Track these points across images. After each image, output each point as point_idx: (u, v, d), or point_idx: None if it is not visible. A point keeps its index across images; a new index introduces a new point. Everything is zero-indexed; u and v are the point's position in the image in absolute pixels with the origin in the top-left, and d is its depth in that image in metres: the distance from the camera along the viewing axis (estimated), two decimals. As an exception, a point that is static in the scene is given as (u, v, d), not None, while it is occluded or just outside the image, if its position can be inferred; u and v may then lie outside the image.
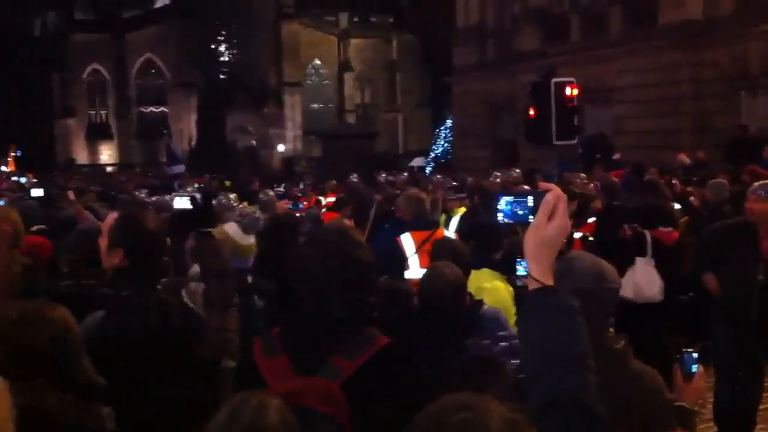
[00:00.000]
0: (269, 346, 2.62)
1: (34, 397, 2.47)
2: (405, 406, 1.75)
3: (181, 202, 3.90)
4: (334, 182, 16.58)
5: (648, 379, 2.87)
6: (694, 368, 3.10)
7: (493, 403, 1.48)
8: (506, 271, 5.33)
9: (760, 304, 5.92)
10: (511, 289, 4.97)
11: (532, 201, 1.95)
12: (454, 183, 12.85)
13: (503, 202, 1.99)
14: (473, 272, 5.04)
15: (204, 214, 4.00)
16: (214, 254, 3.98)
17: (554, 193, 1.93)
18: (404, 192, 8.16)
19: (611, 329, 2.94)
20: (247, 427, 1.93)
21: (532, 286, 1.91)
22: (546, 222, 1.90)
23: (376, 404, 2.32)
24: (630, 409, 2.72)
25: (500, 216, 1.99)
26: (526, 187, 6.81)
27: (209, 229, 4.18)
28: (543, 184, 1.97)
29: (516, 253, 5.40)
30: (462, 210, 9.12)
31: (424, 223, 6.62)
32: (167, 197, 4.59)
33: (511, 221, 1.98)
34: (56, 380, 2.57)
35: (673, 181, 10.96)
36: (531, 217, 1.93)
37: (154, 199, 11.18)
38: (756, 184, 6.25)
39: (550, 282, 1.90)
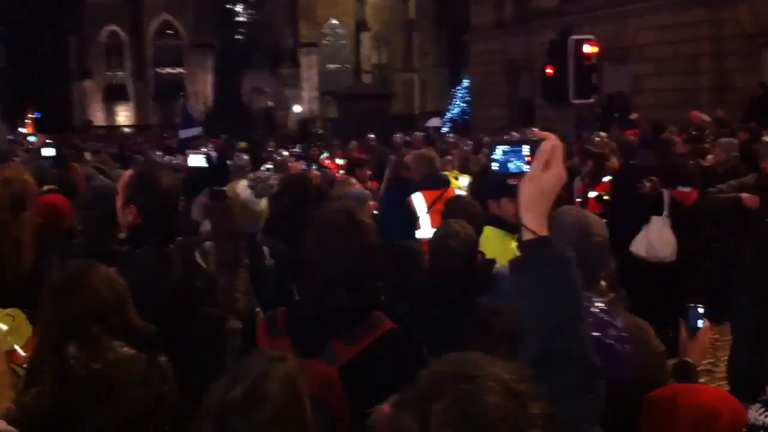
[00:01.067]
0: (273, 327, 2.62)
1: (95, 355, 2.51)
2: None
3: (196, 160, 3.87)
4: (355, 143, 16.47)
5: (636, 330, 2.85)
6: (700, 323, 3.02)
7: (495, 370, 1.40)
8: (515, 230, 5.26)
9: None
10: None
11: (528, 150, 1.89)
12: (470, 143, 12.80)
13: (499, 152, 1.94)
14: (490, 231, 4.99)
15: (218, 173, 3.97)
16: (226, 214, 3.96)
17: (550, 141, 1.88)
18: (414, 152, 8.12)
19: (603, 282, 2.92)
20: (240, 396, 1.90)
21: (527, 236, 1.87)
22: (542, 171, 1.86)
23: (375, 390, 2.27)
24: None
25: (495, 165, 1.95)
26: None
27: (222, 188, 4.16)
28: (539, 133, 1.92)
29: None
30: (455, 173, 9.02)
31: (434, 182, 6.58)
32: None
33: (506, 171, 1.94)
34: (114, 333, 2.59)
35: (675, 139, 10.81)
36: (526, 167, 1.88)
37: (166, 158, 11.24)
38: None
39: (545, 232, 1.86)
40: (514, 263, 1.89)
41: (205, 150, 3.77)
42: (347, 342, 2.48)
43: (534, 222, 1.86)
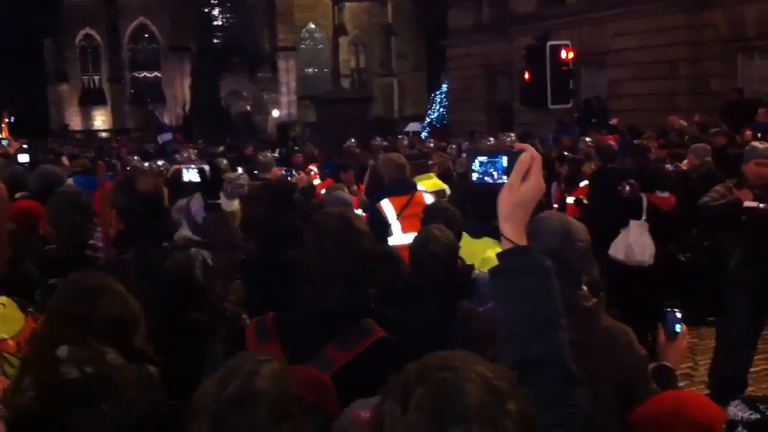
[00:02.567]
0: (262, 331, 2.62)
1: (96, 361, 2.49)
2: None
3: (190, 175, 3.89)
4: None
5: (619, 335, 2.90)
6: (678, 327, 3.07)
7: (478, 366, 1.44)
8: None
9: None
10: None
11: (506, 161, 1.92)
12: (453, 146, 12.81)
13: (477, 163, 1.96)
14: (475, 242, 4.98)
15: (212, 186, 3.99)
16: (222, 225, 3.99)
17: (529, 153, 1.90)
18: (383, 155, 8.06)
19: (584, 287, 2.94)
20: (234, 393, 1.91)
21: (506, 246, 1.90)
22: (520, 182, 1.89)
23: (368, 397, 2.24)
24: (602, 365, 2.75)
25: (474, 176, 1.96)
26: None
27: (217, 201, 4.17)
28: (518, 144, 1.95)
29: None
30: (432, 179, 8.85)
31: (401, 187, 6.49)
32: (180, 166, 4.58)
33: (484, 182, 1.95)
34: (116, 345, 2.58)
35: (651, 144, 10.90)
36: (505, 177, 1.91)
37: (146, 164, 11.14)
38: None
39: (523, 241, 1.90)
40: (493, 272, 1.91)
41: (192, 160, 3.81)
42: (340, 348, 2.49)
43: (513, 232, 1.90)
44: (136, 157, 13.58)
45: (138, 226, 3.45)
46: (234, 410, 1.88)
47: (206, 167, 3.94)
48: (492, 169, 1.93)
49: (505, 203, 1.90)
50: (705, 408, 2.24)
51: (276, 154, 17.76)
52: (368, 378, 2.30)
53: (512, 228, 1.90)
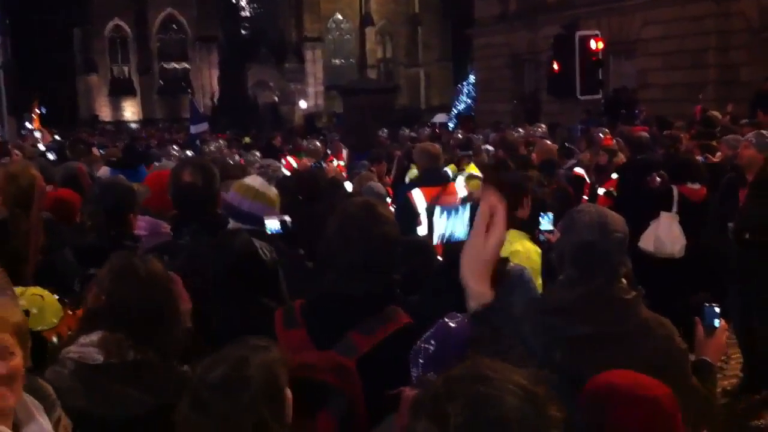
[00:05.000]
0: (289, 318, 2.64)
1: (125, 353, 2.54)
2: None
3: (272, 225, 3.96)
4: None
5: (658, 327, 2.87)
6: (716, 322, 3.04)
7: (512, 375, 1.37)
8: (530, 230, 5.26)
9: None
10: (539, 250, 4.85)
11: (468, 213, 1.87)
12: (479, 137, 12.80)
13: (438, 214, 1.91)
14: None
15: (293, 236, 4.07)
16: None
17: (489, 202, 1.85)
18: (419, 145, 8.03)
19: (624, 280, 2.94)
20: (222, 376, 1.99)
21: (472, 304, 1.85)
22: (483, 234, 1.84)
23: (391, 383, 2.27)
24: (641, 356, 2.74)
25: (437, 234, 1.90)
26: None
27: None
28: (481, 193, 1.92)
29: (540, 208, 5.30)
30: (472, 167, 8.93)
31: (434, 178, 6.49)
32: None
33: (448, 241, 1.90)
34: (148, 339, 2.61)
35: (682, 135, 10.80)
36: (467, 231, 1.85)
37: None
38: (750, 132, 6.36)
39: (488, 294, 1.85)
40: (472, 319, 1.87)
41: (281, 216, 3.89)
42: (364, 333, 2.50)
43: (477, 285, 1.86)
44: (175, 147, 13.77)
45: (184, 213, 3.56)
46: (215, 392, 1.96)
47: (287, 218, 4.01)
48: (455, 221, 1.88)
49: (468, 259, 1.85)
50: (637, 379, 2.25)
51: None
52: (392, 364, 2.35)
53: (476, 281, 1.85)
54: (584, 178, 9.06)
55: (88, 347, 2.50)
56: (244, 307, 3.22)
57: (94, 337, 2.51)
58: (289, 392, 2.09)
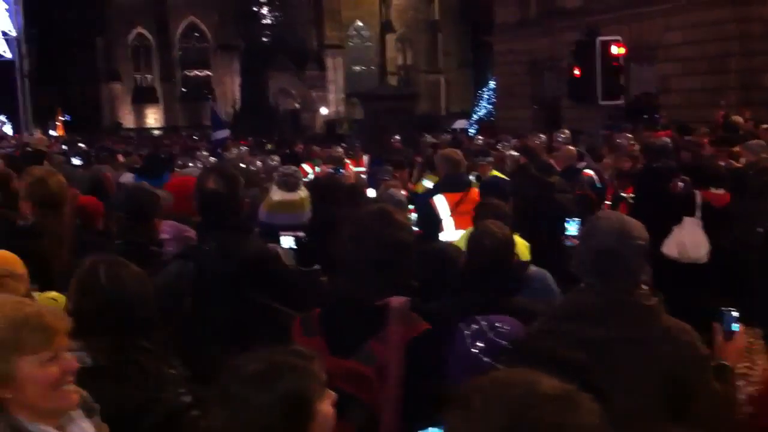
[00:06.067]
0: (308, 326, 2.64)
1: (119, 352, 2.61)
2: (439, 392, 1.67)
3: (287, 242, 4.01)
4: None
5: (681, 334, 2.85)
6: (735, 327, 3.05)
7: (545, 381, 1.36)
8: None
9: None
10: (527, 243, 4.80)
11: None
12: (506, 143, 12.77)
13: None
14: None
15: (309, 253, 4.11)
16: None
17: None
18: (441, 151, 8.03)
19: (644, 286, 2.94)
20: (257, 371, 1.94)
21: None
22: None
23: (411, 389, 2.29)
24: (662, 362, 2.74)
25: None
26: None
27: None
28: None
29: (563, 213, 5.29)
30: (494, 173, 8.86)
31: (456, 183, 6.49)
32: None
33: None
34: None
35: (703, 141, 10.75)
36: None
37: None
38: None
39: None
40: None
41: (297, 232, 3.93)
42: (382, 342, 2.49)
43: None
44: (205, 152, 13.95)
45: (208, 220, 3.61)
46: (248, 387, 1.90)
47: (302, 234, 4.06)
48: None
49: None
50: None
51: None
52: (411, 372, 2.38)
53: None
54: (593, 179, 9.03)
55: (77, 352, 2.58)
56: (254, 310, 3.25)
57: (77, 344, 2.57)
58: (323, 407, 1.96)
